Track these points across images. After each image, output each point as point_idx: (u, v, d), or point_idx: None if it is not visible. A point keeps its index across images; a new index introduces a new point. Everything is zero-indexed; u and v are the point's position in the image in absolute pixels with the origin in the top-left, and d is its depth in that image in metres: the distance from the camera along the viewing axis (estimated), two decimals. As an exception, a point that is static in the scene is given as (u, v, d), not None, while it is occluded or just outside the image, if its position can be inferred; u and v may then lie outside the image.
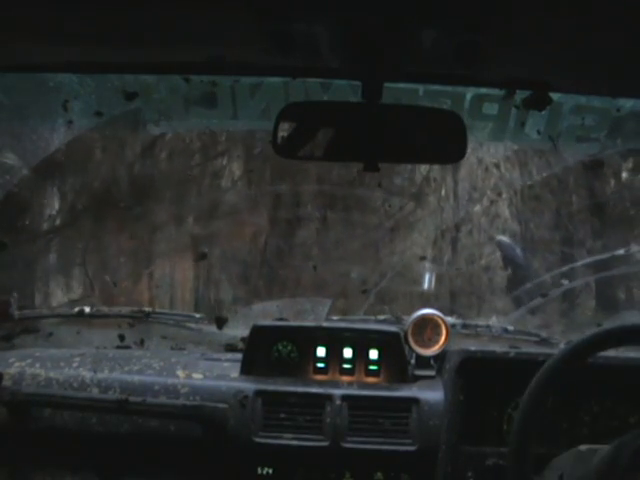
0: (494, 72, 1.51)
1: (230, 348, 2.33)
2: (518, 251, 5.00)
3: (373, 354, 2.10)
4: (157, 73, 2.17)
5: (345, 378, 2.08)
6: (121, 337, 2.39)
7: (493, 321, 3.15)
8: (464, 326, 2.43)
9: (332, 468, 1.93)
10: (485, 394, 2.02)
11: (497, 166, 4.59)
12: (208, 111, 2.53)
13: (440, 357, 2.12)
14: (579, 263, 4.11)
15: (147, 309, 2.52)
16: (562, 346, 1.98)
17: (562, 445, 1.74)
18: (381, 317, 2.54)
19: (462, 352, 2.06)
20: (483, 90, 2.32)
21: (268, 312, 2.74)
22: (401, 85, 2.12)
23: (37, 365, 2.05)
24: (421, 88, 2.25)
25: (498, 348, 2.21)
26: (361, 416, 1.95)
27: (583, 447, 1.62)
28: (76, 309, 2.49)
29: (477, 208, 4.68)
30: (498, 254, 4.92)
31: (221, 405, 1.94)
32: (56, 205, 4.23)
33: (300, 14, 1.16)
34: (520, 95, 1.80)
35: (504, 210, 4.83)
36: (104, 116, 2.44)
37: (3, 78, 2.19)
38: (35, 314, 2.61)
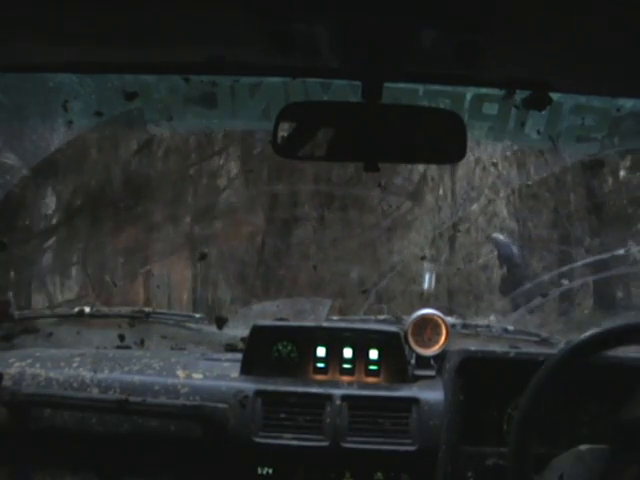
0: (494, 72, 1.51)
1: (230, 348, 2.33)
2: (514, 249, 5.00)
3: (373, 354, 2.10)
4: (157, 73, 2.17)
5: (345, 378, 2.08)
6: (121, 337, 2.39)
7: (492, 320, 3.16)
8: (464, 326, 2.43)
9: (332, 468, 1.93)
10: (485, 394, 2.02)
11: (495, 165, 4.60)
12: (208, 111, 2.53)
13: (440, 357, 2.12)
14: (579, 263, 4.11)
15: (147, 309, 2.52)
16: (562, 346, 1.98)
17: (562, 445, 1.74)
18: (381, 317, 2.54)
19: (462, 352, 2.06)
20: (483, 90, 2.32)
21: (268, 312, 2.74)
22: (401, 85, 2.12)
23: (37, 365, 2.05)
24: (421, 88, 2.25)
25: (498, 348, 2.21)
26: (361, 416, 1.95)
27: (583, 447, 1.62)
28: (76, 309, 2.49)
29: (475, 207, 4.69)
30: (497, 253, 4.93)
31: (221, 405, 1.94)
32: (55, 205, 4.23)
33: (300, 14, 1.16)
34: (520, 95, 1.80)
35: (502, 209, 4.83)
36: (104, 116, 2.45)
37: (3, 78, 2.19)
38: (35, 314, 2.61)
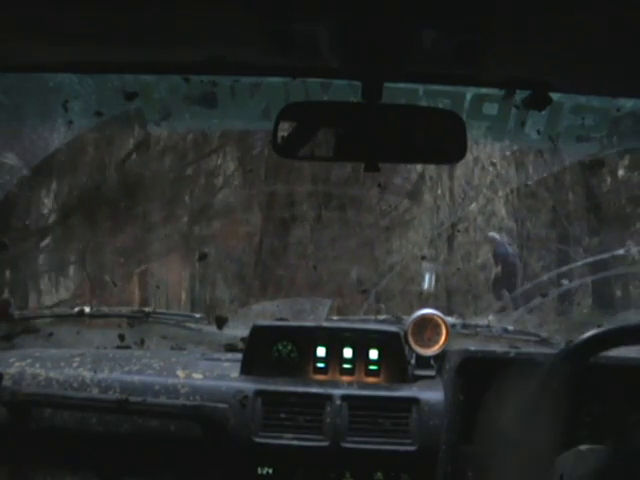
0: (494, 72, 1.51)
1: (230, 348, 2.33)
2: (509, 248, 5.01)
3: (373, 354, 2.10)
4: (157, 73, 2.17)
5: (345, 378, 2.08)
6: (121, 337, 2.39)
7: (491, 320, 3.16)
8: (464, 326, 2.44)
9: (332, 468, 1.93)
10: (485, 394, 2.02)
11: (494, 165, 4.60)
12: (208, 111, 2.53)
13: (440, 357, 2.12)
14: (578, 263, 4.11)
15: (147, 309, 2.53)
16: (562, 346, 1.98)
17: (562, 445, 1.74)
18: (381, 317, 2.54)
19: (462, 352, 2.06)
20: (483, 90, 2.33)
21: (268, 312, 2.75)
22: (401, 85, 2.12)
23: (37, 365, 2.04)
24: (421, 88, 2.25)
25: (498, 348, 2.21)
26: (361, 416, 1.95)
27: (583, 447, 1.62)
28: (76, 309, 2.49)
29: (474, 206, 4.69)
30: (492, 252, 4.94)
31: (221, 405, 1.94)
32: (55, 205, 4.23)
33: (300, 14, 1.16)
34: (520, 95, 1.80)
35: (501, 209, 4.84)
36: (104, 116, 2.44)
37: (3, 78, 2.19)
38: (35, 314, 2.61)
